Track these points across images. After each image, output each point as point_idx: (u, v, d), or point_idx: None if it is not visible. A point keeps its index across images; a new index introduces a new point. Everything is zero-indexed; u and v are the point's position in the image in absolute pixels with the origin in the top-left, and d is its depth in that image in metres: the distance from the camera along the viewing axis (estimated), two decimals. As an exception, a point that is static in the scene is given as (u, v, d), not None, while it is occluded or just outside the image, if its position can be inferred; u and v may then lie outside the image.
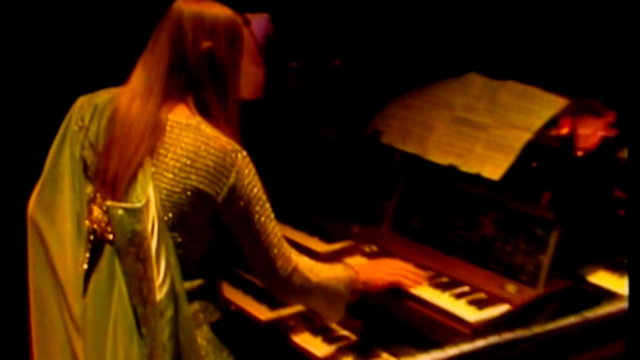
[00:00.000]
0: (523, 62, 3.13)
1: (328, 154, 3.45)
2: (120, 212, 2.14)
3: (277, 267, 2.27)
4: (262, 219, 2.22)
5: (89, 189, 2.23)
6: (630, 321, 1.61)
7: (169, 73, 2.21)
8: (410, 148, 3.02)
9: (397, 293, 2.56)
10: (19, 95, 3.34)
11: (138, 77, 2.25)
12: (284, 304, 2.83)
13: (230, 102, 2.25)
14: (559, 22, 2.92)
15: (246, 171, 2.18)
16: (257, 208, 2.21)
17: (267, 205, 2.24)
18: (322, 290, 2.38)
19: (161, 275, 2.11)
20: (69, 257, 2.23)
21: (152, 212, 2.12)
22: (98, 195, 2.20)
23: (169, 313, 2.11)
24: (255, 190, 2.20)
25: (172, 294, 2.12)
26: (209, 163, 2.14)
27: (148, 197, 2.13)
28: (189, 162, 2.15)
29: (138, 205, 2.12)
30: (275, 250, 2.25)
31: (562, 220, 2.50)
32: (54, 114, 2.36)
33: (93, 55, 3.31)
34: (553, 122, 2.67)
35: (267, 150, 3.21)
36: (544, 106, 2.70)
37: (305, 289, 2.34)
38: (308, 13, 3.70)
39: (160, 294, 2.10)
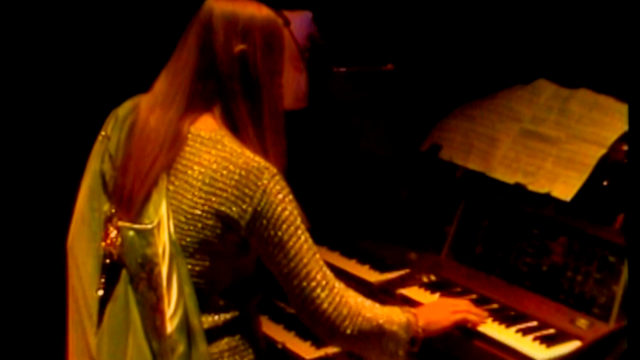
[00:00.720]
0: (595, 66, 3.29)
1: (380, 170, 3.62)
2: (131, 233, 2.22)
3: (321, 300, 2.25)
4: (297, 245, 2.23)
5: (106, 207, 2.34)
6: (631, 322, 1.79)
7: (194, 80, 2.28)
8: (473, 165, 3.24)
9: (458, 330, 2.70)
10: (55, 105, 3.66)
11: (161, 85, 2.34)
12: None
13: (265, 115, 2.29)
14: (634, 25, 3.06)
15: (274, 191, 2.19)
16: (290, 232, 2.22)
17: (302, 229, 2.24)
18: (375, 330, 2.35)
19: (172, 306, 2.16)
20: (85, 282, 2.34)
21: (164, 235, 2.19)
22: (115, 214, 2.32)
23: (181, 349, 2.17)
24: (287, 212, 2.21)
25: (185, 327, 2.18)
26: (231, 182, 2.19)
27: (160, 217, 2.20)
28: (208, 180, 2.20)
29: (149, 226, 2.20)
30: (314, 284, 2.24)
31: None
32: (92, 125, 2.53)
33: (131, 66, 3.56)
34: (624, 136, 2.84)
35: (310, 167, 3.45)
36: (618, 118, 2.89)
37: (356, 328, 2.31)
38: (356, 10, 3.82)
39: (170, 327, 2.16)
